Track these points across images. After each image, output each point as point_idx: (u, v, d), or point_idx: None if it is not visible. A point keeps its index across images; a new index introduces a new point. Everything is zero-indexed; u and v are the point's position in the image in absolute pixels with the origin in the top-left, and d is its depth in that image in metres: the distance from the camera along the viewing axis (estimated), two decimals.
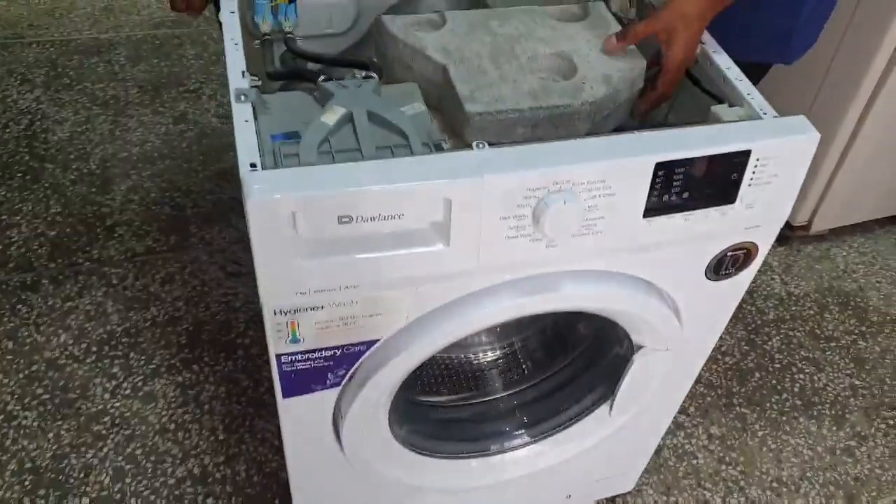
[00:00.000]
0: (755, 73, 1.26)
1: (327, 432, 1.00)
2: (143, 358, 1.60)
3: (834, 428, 1.64)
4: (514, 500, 1.35)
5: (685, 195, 0.87)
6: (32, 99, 2.17)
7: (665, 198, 0.86)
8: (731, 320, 1.79)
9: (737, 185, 0.88)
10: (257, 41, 1.06)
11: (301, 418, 0.97)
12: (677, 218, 0.89)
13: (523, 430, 1.22)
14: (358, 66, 0.96)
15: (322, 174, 0.76)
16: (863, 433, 1.64)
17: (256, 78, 0.89)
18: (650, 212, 0.87)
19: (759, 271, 1.91)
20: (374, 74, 0.93)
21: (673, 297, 1.01)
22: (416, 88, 0.94)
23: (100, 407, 1.51)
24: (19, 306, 1.67)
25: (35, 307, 1.67)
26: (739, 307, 1.83)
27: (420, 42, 0.99)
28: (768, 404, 1.67)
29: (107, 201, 1.91)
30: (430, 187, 0.76)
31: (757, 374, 1.72)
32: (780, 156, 0.88)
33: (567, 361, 1.25)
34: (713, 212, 0.90)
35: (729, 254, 0.98)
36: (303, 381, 0.92)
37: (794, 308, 1.87)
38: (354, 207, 0.75)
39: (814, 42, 1.24)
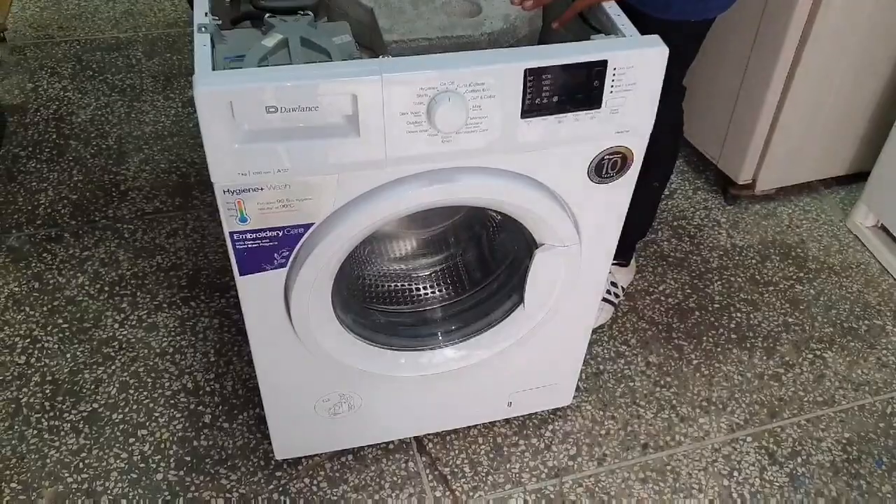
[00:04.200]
0: (697, 29, 1.43)
1: (280, 311, 1.22)
2: (148, 296, 1.84)
3: (764, 357, 1.81)
4: (462, 405, 1.55)
5: (555, 99, 1.07)
6: (60, 88, 2.45)
7: (538, 101, 1.06)
8: (675, 268, 2.00)
9: (599, 91, 1.08)
10: (227, 0, 1.29)
11: (257, 296, 1.19)
12: (551, 120, 1.09)
13: (452, 334, 1.41)
14: (298, 10, 1.18)
15: (251, 74, 0.98)
16: (790, 362, 1.80)
17: (217, 18, 1.13)
18: (527, 113, 1.07)
19: (706, 226, 2.11)
20: (310, 12, 1.16)
21: (564, 197, 1.21)
22: (346, 26, 1.17)
23: (110, 334, 1.75)
24: (45, 255, 1.92)
25: (58, 255, 1.92)
26: (685, 257, 2.03)
27: None
28: (705, 338, 1.84)
29: (122, 171, 2.17)
30: (338, 84, 0.98)
31: (697, 313, 1.90)
32: (635, 66, 1.08)
33: (496, 275, 1.45)
34: (583, 115, 1.10)
35: (606, 157, 1.17)
36: (254, 259, 1.14)
37: (737, 258, 2.05)
38: (277, 99, 0.97)
39: None
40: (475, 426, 1.62)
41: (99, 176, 2.15)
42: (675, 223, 2.12)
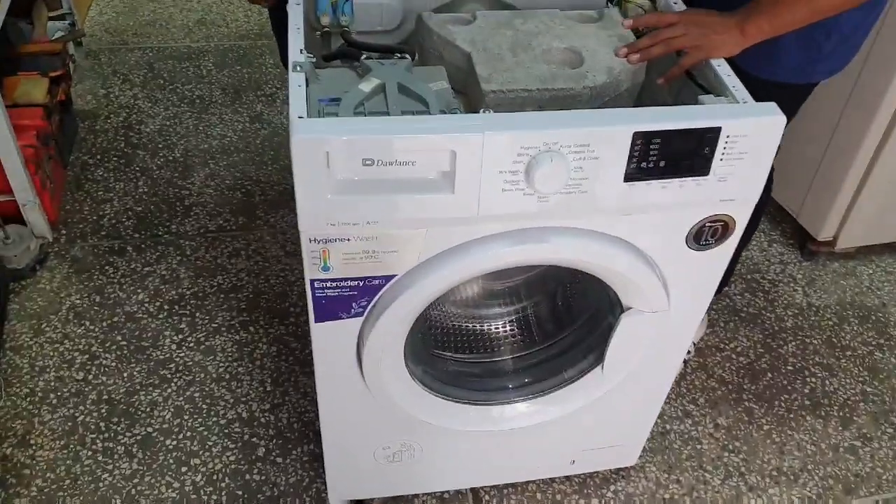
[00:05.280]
0: (800, 92, 1.36)
1: (351, 359, 1.17)
2: (207, 317, 1.81)
3: (840, 428, 1.72)
4: (523, 459, 1.49)
5: (662, 164, 1.01)
6: (131, 96, 2.46)
7: (643, 165, 1.01)
8: (748, 324, 1.92)
9: (709, 158, 1.02)
10: (318, 32, 1.26)
11: (329, 343, 1.15)
12: (655, 185, 1.03)
13: (523, 388, 1.36)
14: (394, 51, 1.14)
15: (351, 124, 0.94)
16: (868, 435, 1.71)
17: (311, 55, 1.09)
18: (630, 177, 1.01)
19: (781, 282, 2.02)
20: (407, 56, 1.11)
21: (658, 263, 1.14)
22: (442, 71, 1.12)
23: (167, 355, 1.72)
24: (107, 267, 1.91)
25: (120, 269, 1.91)
26: (759, 313, 1.94)
27: (451, 34, 1.18)
28: (777, 402, 1.76)
29: (187, 185, 2.16)
30: (438, 140, 0.94)
31: (769, 375, 1.82)
32: (749, 134, 1.01)
33: (571, 329, 1.39)
34: (689, 182, 1.04)
35: (707, 224, 1.11)
36: (331, 307, 1.10)
37: (813, 318, 1.96)
38: (375, 152, 0.93)
39: (846, 63, 1.34)
40: (534, 481, 1.56)
41: (164, 189, 2.14)
42: (749, 276, 2.04)
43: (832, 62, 1.31)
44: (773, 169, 1.54)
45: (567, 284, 1.44)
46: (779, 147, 1.50)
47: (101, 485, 1.49)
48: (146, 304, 1.83)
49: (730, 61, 1.13)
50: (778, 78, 1.28)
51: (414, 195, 0.98)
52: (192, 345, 1.75)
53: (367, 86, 1.04)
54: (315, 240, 1.01)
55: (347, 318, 1.12)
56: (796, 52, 1.26)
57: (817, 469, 1.64)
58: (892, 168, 1.87)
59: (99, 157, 2.23)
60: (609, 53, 1.16)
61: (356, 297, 1.09)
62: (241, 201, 2.12)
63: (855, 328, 1.94)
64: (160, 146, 2.28)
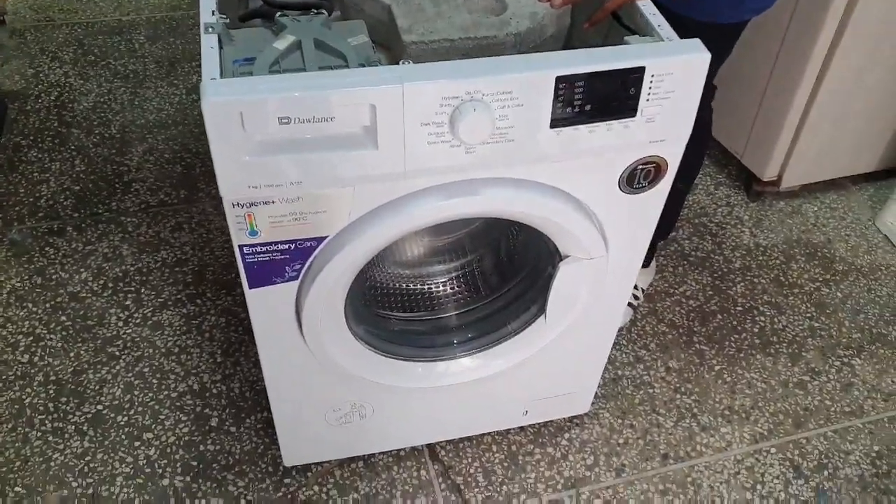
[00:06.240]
0: (732, 31, 1.35)
1: (291, 324, 1.16)
2: (152, 293, 1.78)
3: (789, 364, 1.75)
4: (476, 412, 1.50)
5: (588, 108, 1.00)
6: (61, 74, 2.38)
7: (569, 109, 1.00)
8: (697, 268, 1.93)
9: (636, 99, 1.01)
10: None
11: (267, 309, 1.13)
12: (582, 129, 1.02)
13: (468, 343, 1.36)
14: (311, 7, 1.11)
15: (263, 82, 0.91)
16: (817, 369, 1.74)
17: (225, 16, 1.06)
18: (556, 122, 1.00)
19: (728, 224, 2.04)
20: (323, 11, 1.08)
21: (592, 209, 1.14)
22: (362, 24, 1.10)
23: (114, 333, 1.70)
24: (47, 248, 1.87)
25: (60, 249, 1.87)
26: (707, 257, 1.96)
27: None
28: (727, 343, 1.78)
29: (125, 161, 2.11)
30: (356, 94, 0.92)
31: (719, 316, 1.84)
32: (674, 73, 1.00)
33: (515, 282, 1.39)
34: (616, 124, 1.03)
35: (639, 167, 1.11)
36: (264, 272, 1.08)
37: (761, 258, 1.98)
38: (290, 110, 0.91)
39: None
40: (489, 433, 1.57)
41: (102, 166, 2.09)
42: (697, 220, 2.06)
43: None
44: (711, 109, 1.55)
45: (509, 236, 1.43)
46: (715, 88, 1.51)
47: (52, 464, 1.47)
48: (90, 283, 1.79)
49: (658, 4, 1.12)
50: (707, 17, 1.27)
51: (336, 153, 0.96)
52: (138, 321, 1.72)
53: (282, 43, 1.01)
54: (238, 204, 0.99)
55: (282, 282, 1.10)
56: None
57: (768, 405, 1.67)
58: (830, 105, 1.89)
59: (32, 137, 2.16)
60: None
61: (289, 261, 1.08)
62: (182, 174, 2.08)
63: (802, 265, 1.97)
64: (95, 123, 2.22)
